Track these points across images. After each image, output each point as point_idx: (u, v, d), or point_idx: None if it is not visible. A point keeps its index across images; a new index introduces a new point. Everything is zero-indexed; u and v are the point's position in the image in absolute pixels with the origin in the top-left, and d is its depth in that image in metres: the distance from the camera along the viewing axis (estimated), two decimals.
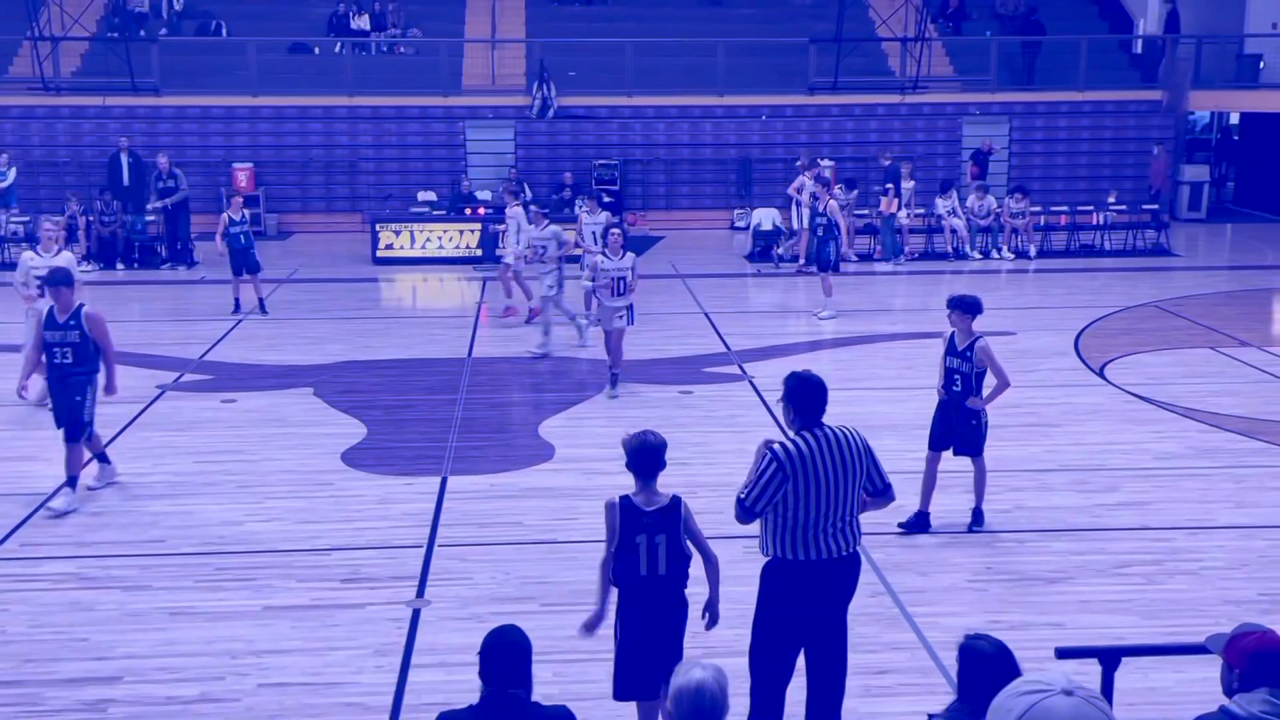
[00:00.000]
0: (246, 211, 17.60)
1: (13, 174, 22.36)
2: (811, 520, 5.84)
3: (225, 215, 17.14)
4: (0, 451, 11.30)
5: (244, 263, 17.04)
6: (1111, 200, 23.50)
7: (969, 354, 9.07)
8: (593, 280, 13.41)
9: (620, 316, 12.89)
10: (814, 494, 5.82)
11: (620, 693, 5.97)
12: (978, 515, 9.38)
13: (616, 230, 13.23)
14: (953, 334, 9.17)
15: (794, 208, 21.09)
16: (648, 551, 5.74)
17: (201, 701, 6.90)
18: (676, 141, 25.41)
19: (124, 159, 22.63)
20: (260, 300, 17.22)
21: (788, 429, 6.12)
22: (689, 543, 5.84)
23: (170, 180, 21.06)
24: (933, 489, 9.37)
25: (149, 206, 21.34)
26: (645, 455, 5.80)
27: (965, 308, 9.08)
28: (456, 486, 10.40)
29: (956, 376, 9.14)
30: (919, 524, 9.34)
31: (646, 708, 6.01)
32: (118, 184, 22.22)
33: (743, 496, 5.89)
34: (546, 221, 15.31)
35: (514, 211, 16.64)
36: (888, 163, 22.40)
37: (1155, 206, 23.51)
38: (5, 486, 10.36)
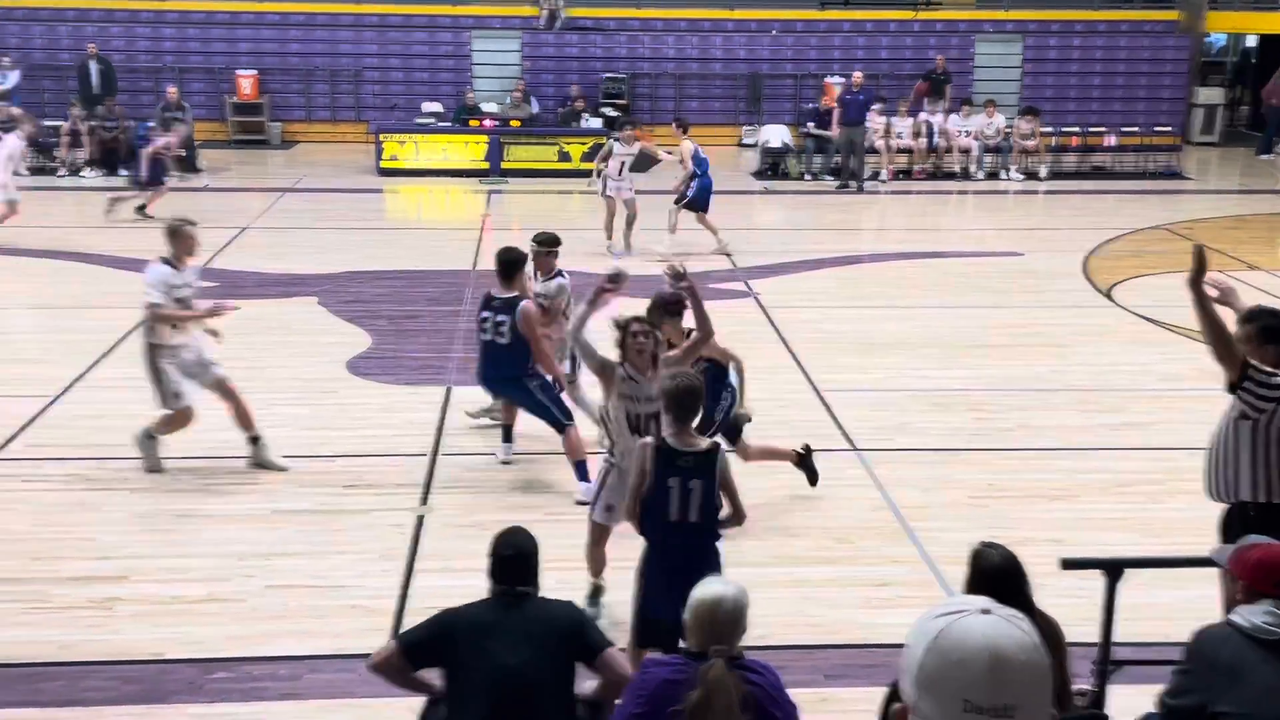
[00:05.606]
0: None
1: (14, 77, 22.11)
2: None
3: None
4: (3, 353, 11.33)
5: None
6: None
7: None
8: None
9: None
10: None
11: (643, 639, 5.56)
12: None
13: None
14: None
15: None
16: (680, 496, 5.52)
17: (208, 601, 6.96)
18: (685, 56, 25.07)
19: (93, 66, 22.25)
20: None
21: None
22: (722, 495, 5.61)
23: (178, 112, 20.80)
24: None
25: (157, 147, 20.97)
26: (682, 397, 5.61)
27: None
28: (461, 396, 10.40)
29: None
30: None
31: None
32: (87, 91, 21.86)
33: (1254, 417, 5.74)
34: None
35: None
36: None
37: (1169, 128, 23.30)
38: (11, 388, 10.38)
